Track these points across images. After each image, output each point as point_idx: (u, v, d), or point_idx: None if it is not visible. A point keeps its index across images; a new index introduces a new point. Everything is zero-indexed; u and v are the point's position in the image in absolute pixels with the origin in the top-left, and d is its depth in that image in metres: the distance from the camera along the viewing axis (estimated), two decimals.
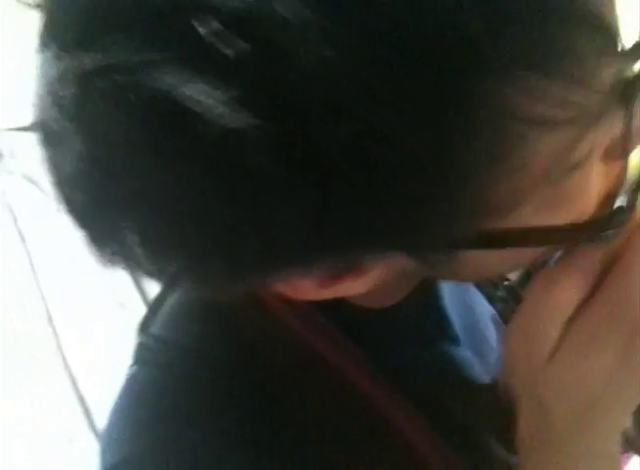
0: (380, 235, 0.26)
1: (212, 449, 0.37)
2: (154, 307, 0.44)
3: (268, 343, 0.41)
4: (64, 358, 1.52)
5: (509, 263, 0.34)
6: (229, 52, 0.22)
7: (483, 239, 0.28)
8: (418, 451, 0.41)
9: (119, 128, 0.24)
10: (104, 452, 0.39)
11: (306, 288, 0.30)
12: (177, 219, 0.26)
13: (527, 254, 0.32)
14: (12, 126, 1.64)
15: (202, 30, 0.22)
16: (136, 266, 0.30)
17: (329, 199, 0.24)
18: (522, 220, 0.28)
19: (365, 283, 0.30)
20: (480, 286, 0.52)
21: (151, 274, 0.31)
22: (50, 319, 1.57)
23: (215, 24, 0.22)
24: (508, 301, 0.49)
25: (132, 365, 0.42)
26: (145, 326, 0.44)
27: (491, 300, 0.52)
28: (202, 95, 0.22)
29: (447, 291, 0.48)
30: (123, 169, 0.25)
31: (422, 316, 0.45)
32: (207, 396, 0.39)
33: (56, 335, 1.55)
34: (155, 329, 0.43)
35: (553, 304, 0.33)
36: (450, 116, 0.23)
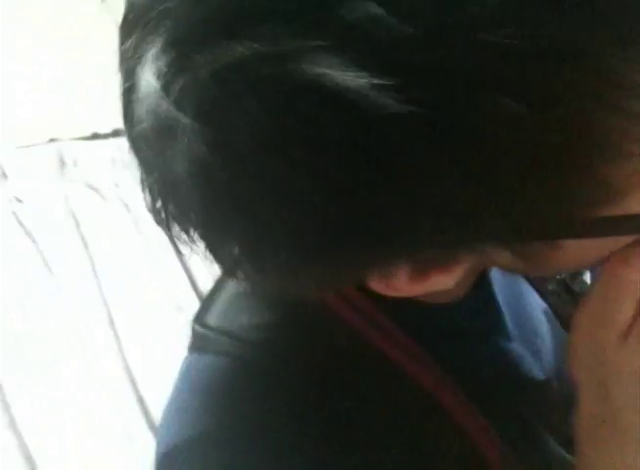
0: (488, 228, 0.25)
1: (279, 438, 0.37)
2: (208, 300, 0.46)
3: (327, 337, 0.41)
4: (124, 360, 1.57)
5: (600, 253, 0.33)
6: (385, 38, 0.21)
7: (596, 227, 0.27)
8: (474, 443, 0.41)
9: (261, 121, 0.23)
10: (165, 435, 0.40)
11: (399, 283, 0.30)
12: (302, 216, 0.25)
13: (620, 242, 0.32)
14: (75, 136, 1.70)
15: (356, 16, 0.21)
16: (223, 264, 0.29)
17: (453, 189, 0.23)
18: (632, 207, 0.27)
19: (453, 278, 0.30)
20: (530, 280, 0.51)
21: (232, 273, 0.30)
22: (112, 322, 1.61)
23: (370, 9, 0.21)
24: (560, 294, 0.49)
25: (190, 353, 0.44)
26: (201, 317, 0.45)
27: (542, 293, 0.51)
28: (357, 82, 0.21)
29: (498, 285, 0.47)
30: (257, 166, 0.24)
31: (476, 311, 0.45)
32: (276, 387, 0.39)
33: (117, 337, 1.59)
34: (211, 320, 0.44)
35: (628, 284, 0.32)
36: (572, 99, 0.22)
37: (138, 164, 0.29)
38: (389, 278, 0.30)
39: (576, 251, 0.30)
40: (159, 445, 0.40)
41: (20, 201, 1.67)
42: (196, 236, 0.29)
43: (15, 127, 1.66)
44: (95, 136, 1.76)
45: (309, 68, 0.21)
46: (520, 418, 0.45)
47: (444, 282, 0.30)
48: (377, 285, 0.31)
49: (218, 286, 0.46)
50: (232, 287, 0.45)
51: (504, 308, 0.47)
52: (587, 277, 0.50)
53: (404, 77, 0.21)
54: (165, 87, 0.24)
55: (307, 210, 0.25)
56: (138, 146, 0.27)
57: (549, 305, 0.51)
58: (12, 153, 1.66)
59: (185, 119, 0.24)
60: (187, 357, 0.44)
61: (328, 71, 0.21)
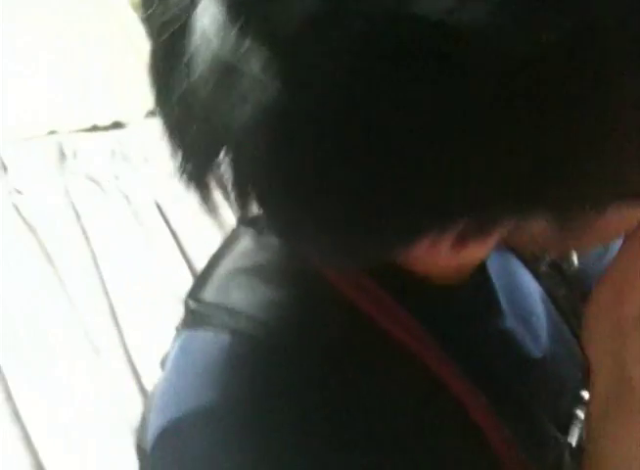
0: (545, 197, 0.25)
1: (283, 408, 0.37)
2: (203, 276, 0.45)
3: (333, 319, 0.41)
4: (127, 351, 1.57)
5: (635, 222, 0.33)
6: None
7: None
8: (488, 440, 0.41)
9: (359, 66, 0.22)
10: (164, 410, 0.39)
11: (441, 250, 0.30)
12: (333, 195, 0.24)
13: None
14: (74, 128, 1.70)
15: None
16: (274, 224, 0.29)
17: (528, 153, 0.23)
18: None
19: (487, 248, 0.31)
20: (525, 261, 0.51)
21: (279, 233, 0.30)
22: (114, 314, 1.61)
23: None
24: (552, 275, 0.49)
25: (183, 329, 0.43)
26: (195, 293, 0.44)
27: (535, 275, 0.52)
28: (482, 22, 0.20)
29: (492, 266, 0.47)
30: (344, 113, 0.23)
31: (473, 293, 0.45)
32: (280, 363, 0.39)
33: (119, 329, 1.60)
34: (207, 295, 0.43)
35: None
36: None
37: (174, 125, 0.27)
38: (434, 246, 0.30)
39: (617, 219, 0.30)
40: (156, 420, 0.39)
41: (20, 193, 1.67)
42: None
43: (14, 120, 1.66)
44: (95, 128, 1.75)
45: (425, 8, 0.20)
46: (517, 397, 0.45)
47: (478, 252, 0.31)
48: (421, 252, 0.31)
49: (213, 262, 0.45)
50: (228, 263, 0.44)
51: (498, 288, 0.48)
52: (576, 259, 0.51)
53: (537, 15, 0.20)
54: (234, 27, 0.22)
55: (339, 190, 0.24)
56: (191, 99, 0.25)
57: (542, 285, 0.52)
58: (11, 145, 1.66)
59: (257, 60, 0.22)
60: (180, 334, 0.43)
61: (447, 10, 0.20)
